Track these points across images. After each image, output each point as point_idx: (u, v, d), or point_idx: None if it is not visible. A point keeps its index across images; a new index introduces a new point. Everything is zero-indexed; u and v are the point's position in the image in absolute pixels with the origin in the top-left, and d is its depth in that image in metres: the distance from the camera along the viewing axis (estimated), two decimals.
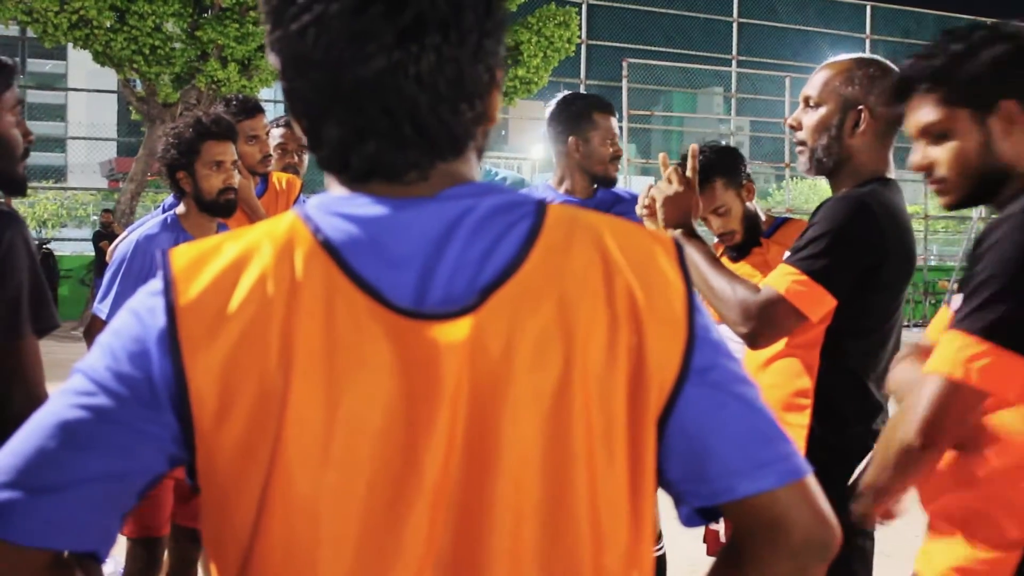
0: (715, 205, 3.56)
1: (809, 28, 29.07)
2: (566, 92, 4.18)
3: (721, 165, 3.57)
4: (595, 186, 4.07)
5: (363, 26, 1.04)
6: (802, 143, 2.69)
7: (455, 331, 1.07)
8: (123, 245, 3.79)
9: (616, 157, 4.00)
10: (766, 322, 2.45)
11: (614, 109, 4.11)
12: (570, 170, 4.03)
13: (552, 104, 4.07)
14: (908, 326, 22.12)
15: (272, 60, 1.12)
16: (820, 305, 2.45)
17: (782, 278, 2.46)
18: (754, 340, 2.49)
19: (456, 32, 1.06)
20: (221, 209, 3.79)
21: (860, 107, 2.58)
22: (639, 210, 2.92)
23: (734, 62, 26.54)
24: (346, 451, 1.05)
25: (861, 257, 2.47)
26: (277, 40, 1.09)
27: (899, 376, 2.07)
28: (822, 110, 2.63)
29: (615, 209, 4.00)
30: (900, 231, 2.54)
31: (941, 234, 37.59)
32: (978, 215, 26.69)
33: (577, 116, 3.96)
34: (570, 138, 3.96)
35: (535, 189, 4.25)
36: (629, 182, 21.43)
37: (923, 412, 1.81)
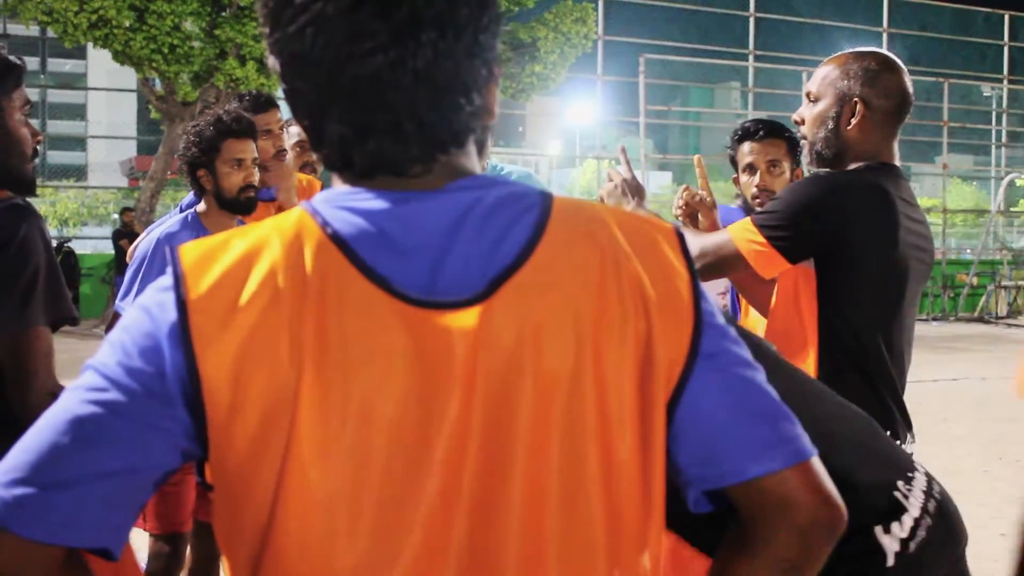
0: (773, 157, 3.59)
1: (826, 22, 29.02)
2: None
3: (790, 135, 3.61)
4: None
5: (359, 24, 1.05)
6: (804, 137, 2.76)
7: (466, 319, 1.08)
8: (144, 243, 3.81)
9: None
10: (714, 266, 2.66)
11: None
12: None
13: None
14: (926, 320, 22.02)
15: (272, 63, 1.14)
16: (774, 267, 2.60)
17: (742, 233, 2.62)
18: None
19: (452, 28, 1.08)
20: (241, 206, 3.82)
21: (855, 99, 2.64)
22: (674, 211, 3.04)
23: (751, 57, 26.43)
24: (360, 440, 1.05)
25: (817, 226, 2.56)
26: (276, 42, 1.11)
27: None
28: (821, 104, 2.70)
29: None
30: (870, 209, 2.58)
31: (959, 227, 37.39)
32: (996, 208, 26.61)
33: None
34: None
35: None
36: (647, 177, 21.40)
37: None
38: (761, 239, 2.57)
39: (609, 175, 2.97)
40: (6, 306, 2.17)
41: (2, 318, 2.17)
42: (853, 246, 2.56)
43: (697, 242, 2.67)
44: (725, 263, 2.65)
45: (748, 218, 2.65)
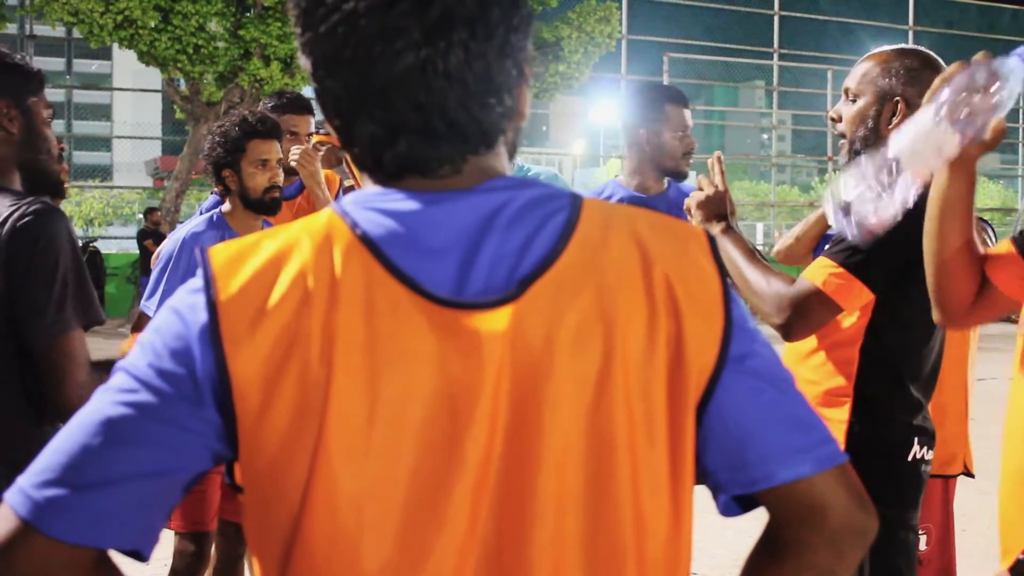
0: None
1: (851, 20, 28.99)
2: (641, 83, 4.16)
3: None
4: (667, 182, 3.99)
5: (391, 23, 1.05)
6: (842, 135, 2.70)
7: (495, 320, 1.07)
8: (170, 243, 3.84)
9: (689, 151, 3.89)
10: (800, 314, 2.47)
11: (688, 101, 3.99)
12: (641, 164, 3.95)
13: (627, 96, 4.01)
14: None
15: (304, 62, 1.14)
16: (856, 297, 2.48)
17: (819, 270, 2.48)
18: (788, 332, 2.50)
19: (483, 27, 1.08)
20: (266, 207, 3.83)
21: (896, 99, 2.58)
22: (689, 204, 2.91)
23: (775, 55, 26.41)
24: (388, 441, 1.05)
25: (899, 250, 2.47)
26: (308, 42, 1.11)
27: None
28: (860, 102, 2.64)
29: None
30: None
31: None
32: (1023, 206, 26.48)
33: (648, 107, 3.88)
34: (640, 130, 3.88)
35: (605, 186, 4.12)
36: None
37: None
38: (839, 269, 2.46)
39: (699, 183, 2.83)
40: (44, 314, 2.20)
41: (41, 327, 2.20)
42: (917, 266, 2.46)
43: (770, 298, 2.53)
44: (808, 309, 2.49)
45: (820, 257, 2.55)
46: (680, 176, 3.97)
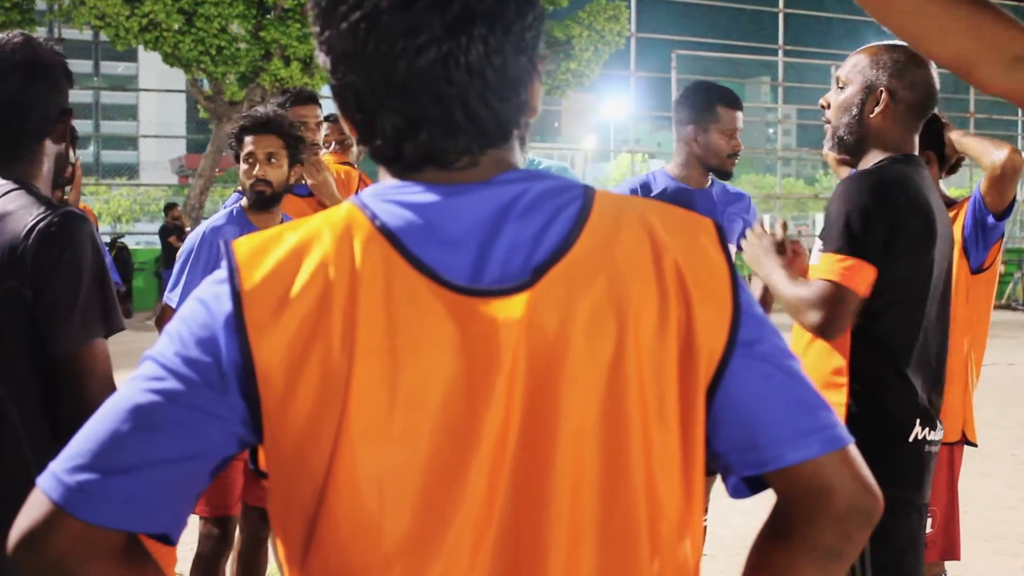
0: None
1: (854, 17, 28.91)
2: (697, 81, 4.19)
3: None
4: (711, 178, 4.06)
5: (413, 20, 1.07)
6: (828, 121, 2.77)
7: (511, 307, 1.08)
8: (191, 237, 3.90)
9: (734, 153, 3.95)
10: (829, 310, 2.50)
11: (741, 104, 4.03)
12: (687, 158, 4.02)
13: (681, 91, 4.08)
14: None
15: (322, 60, 1.15)
16: (864, 276, 2.52)
17: (826, 267, 2.54)
18: (824, 330, 2.53)
19: (501, 24, 1.10)
20: (254, 200, 3.86)
21: (880, 89, 2.64)
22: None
23: (780, 52, 26.29)
24: (408, 425, 1.07)
25: (881, 224, 2.53)
26: (327, 39, 1.13)
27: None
28: (848, 90, 2.71)
29: (730, 208, 4.06)
30: (912, 201, 2.59)
31: None
32: (1022, 197, 26.66)
33: (700, 105, 3.94)
34: (689, 127, 3.95)
35: (653, 175, 4.16)
36: None
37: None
38: (840, 256, 2.52)
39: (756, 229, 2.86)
40: (70, 322, 2.16)
41: (67, 334, 2.16)
42: (895, 241, 2.55)
43: (802, 302, 2.56)
44: (834, 303, 2.51)
45: (820, 257, 2.59)
46: (724, 175, 4.06)
